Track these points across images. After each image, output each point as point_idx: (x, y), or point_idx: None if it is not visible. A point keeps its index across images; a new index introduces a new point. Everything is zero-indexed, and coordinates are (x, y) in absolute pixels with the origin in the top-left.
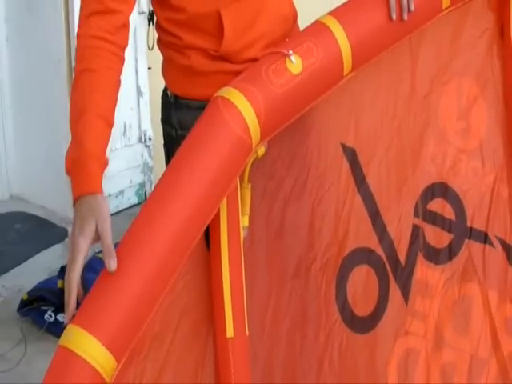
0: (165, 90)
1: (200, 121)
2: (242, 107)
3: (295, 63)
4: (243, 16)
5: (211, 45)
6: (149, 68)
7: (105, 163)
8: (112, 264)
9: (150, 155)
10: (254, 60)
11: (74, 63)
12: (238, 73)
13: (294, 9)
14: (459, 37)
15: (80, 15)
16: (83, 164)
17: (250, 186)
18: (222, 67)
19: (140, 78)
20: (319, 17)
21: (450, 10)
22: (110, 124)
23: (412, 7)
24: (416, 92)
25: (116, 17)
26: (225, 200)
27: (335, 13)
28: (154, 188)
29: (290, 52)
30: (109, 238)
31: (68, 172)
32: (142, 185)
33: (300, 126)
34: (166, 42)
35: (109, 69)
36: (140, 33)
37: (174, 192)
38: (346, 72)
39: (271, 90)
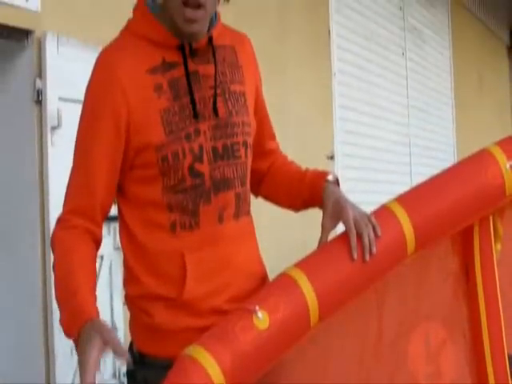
0: (130, 345)
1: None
2: (209, 367)
3: (262, 319)
4: (208, 263)
5: (173, 291)
6: (124, 304)
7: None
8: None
9: None
10: (219, 311)
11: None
12: (203, 329)
13: (265, 269)
14: (424, 282)
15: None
16: (76, 307)
17: None
18: (185, 323)
19: (115, 315)
20: (285, 269)
21: (414, 256)
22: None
23: (374, 249)
24: (383, 338)
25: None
26: None
27: (301, 264)
28: None
29: (257, 308)
30: (118, 341)
31: (65, 326)
32: None
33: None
34: (132, 296)
35: (86, 245)
36: (115, 268)
37: None
38: (312, 323)
39: (239, 347)
